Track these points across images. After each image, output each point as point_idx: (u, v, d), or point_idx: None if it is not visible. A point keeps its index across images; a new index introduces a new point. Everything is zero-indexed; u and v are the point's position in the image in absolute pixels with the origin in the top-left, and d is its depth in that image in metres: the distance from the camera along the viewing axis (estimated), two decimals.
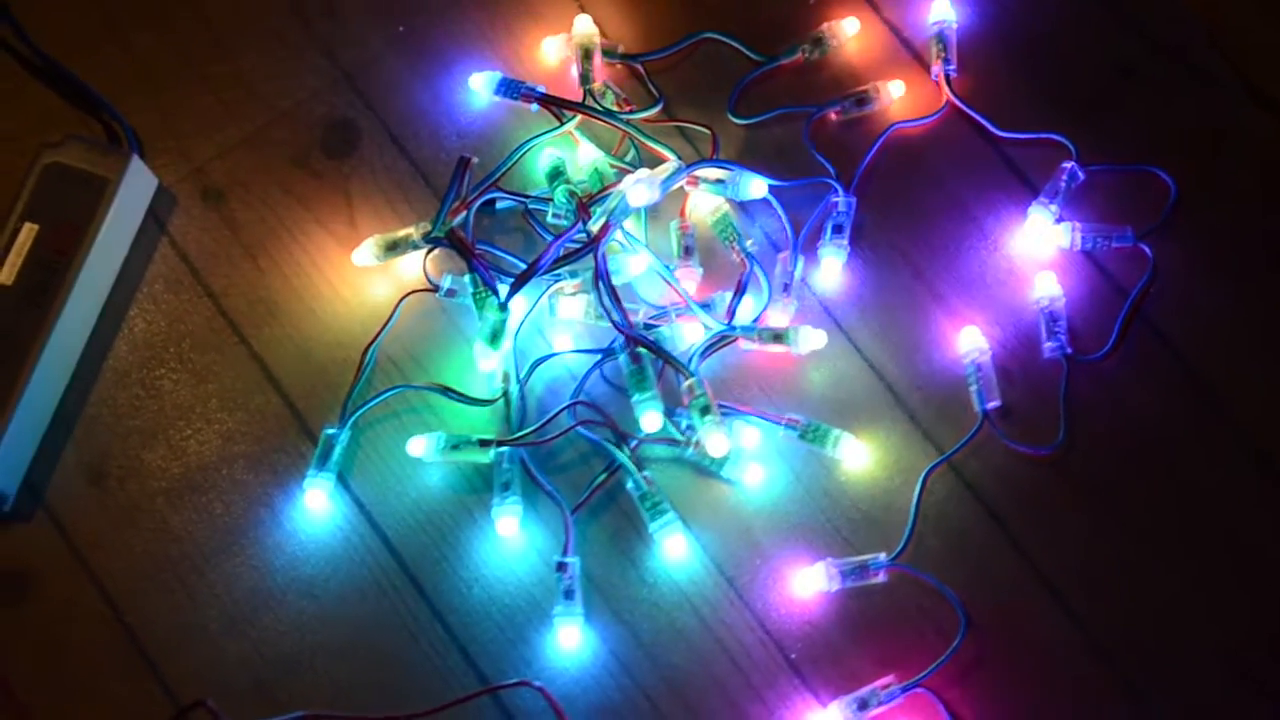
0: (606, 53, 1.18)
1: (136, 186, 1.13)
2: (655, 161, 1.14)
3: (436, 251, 1.13)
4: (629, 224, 1.12)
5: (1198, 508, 1.09)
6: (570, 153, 1.16)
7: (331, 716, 1.03)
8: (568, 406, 1.10)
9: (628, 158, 1.16)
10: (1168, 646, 1.06)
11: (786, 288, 1.12)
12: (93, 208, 1.10)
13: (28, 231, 1.09)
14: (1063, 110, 1.18)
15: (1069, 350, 1.11)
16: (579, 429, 1.09)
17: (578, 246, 1.09)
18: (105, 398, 1.12)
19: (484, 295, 1.10)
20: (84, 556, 1.08)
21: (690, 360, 1.09)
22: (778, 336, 1.10)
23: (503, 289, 1.09)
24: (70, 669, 1.06)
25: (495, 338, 1.07)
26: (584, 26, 1.17)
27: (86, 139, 1.13)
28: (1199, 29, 1.20)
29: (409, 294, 1.13)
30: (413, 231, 1.12)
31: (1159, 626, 1.06)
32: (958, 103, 1.17)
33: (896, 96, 1.18)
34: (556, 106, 1.15)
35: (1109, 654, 1.06)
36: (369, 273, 1.14)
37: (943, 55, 1.18)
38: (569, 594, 1.05)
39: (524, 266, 1.10)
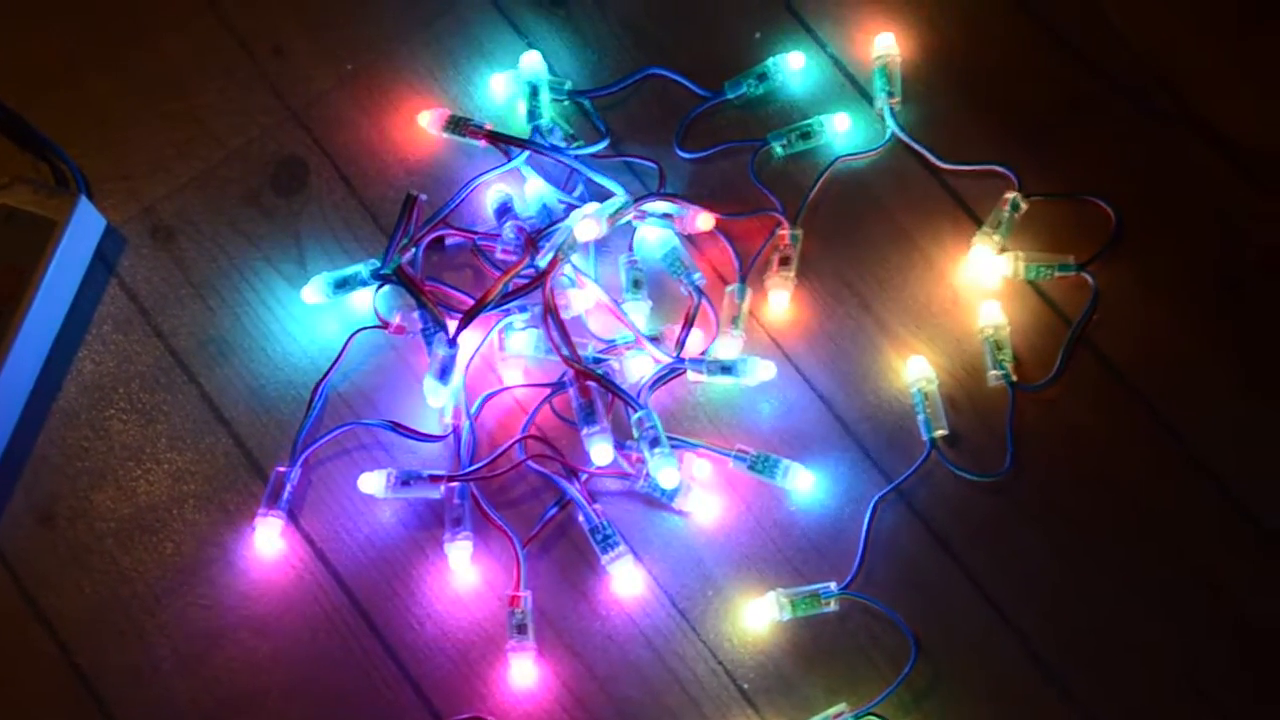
0: (554, 89, 1.19)
1: (84, 227, 1.13)
2: (603, 196, 1.15)
3: (385, 288, 1.13)
4: (577, 259, 1.13)
5: (1146, 530, 1.10)
6: (518, 189, 1.17)
7: None
8: (518, 440, 1.10)
9: (576, 193, 1.16)
10: (1117, 667, 1.07)
11: (734, 320, 1.13)
12: (39, 250, 1.10)
13: None
14: (1007, 141, 1.19)
15: (1014, 378, 1.12)
16: (529, 463, 1.10)
17: (526, 281, 1.10)
18: (54, 439, 1.11)
19: (433, 331, 1.10)
20: (33, 597, 1.07)
21: (640, 393, 1.10)
22: (726, 368, 1.10)
23: (451, 325, 1.09)
24: (19, 707, 1.06)
25: (445, 373, 1.08)
26: (531, 63, 1.18)
27: (33, 181, 1.13)
28: (1146, 64, 1.22)
29: (358, 331, 1.13)
30: (361, 269, 1.13)
31: (1109, 648, 1.07)
32: (901, 135, 1.19)
33: (841, 130, 1.19)
34: (504, 143, 1.16)
35: (1060, 676, 1.06)
36: (319, 310, 1.14)
37: (887, 89, 1.19)
38: (521, 628, 1.06)
39: (473, 302, 1.10)
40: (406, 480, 1.08)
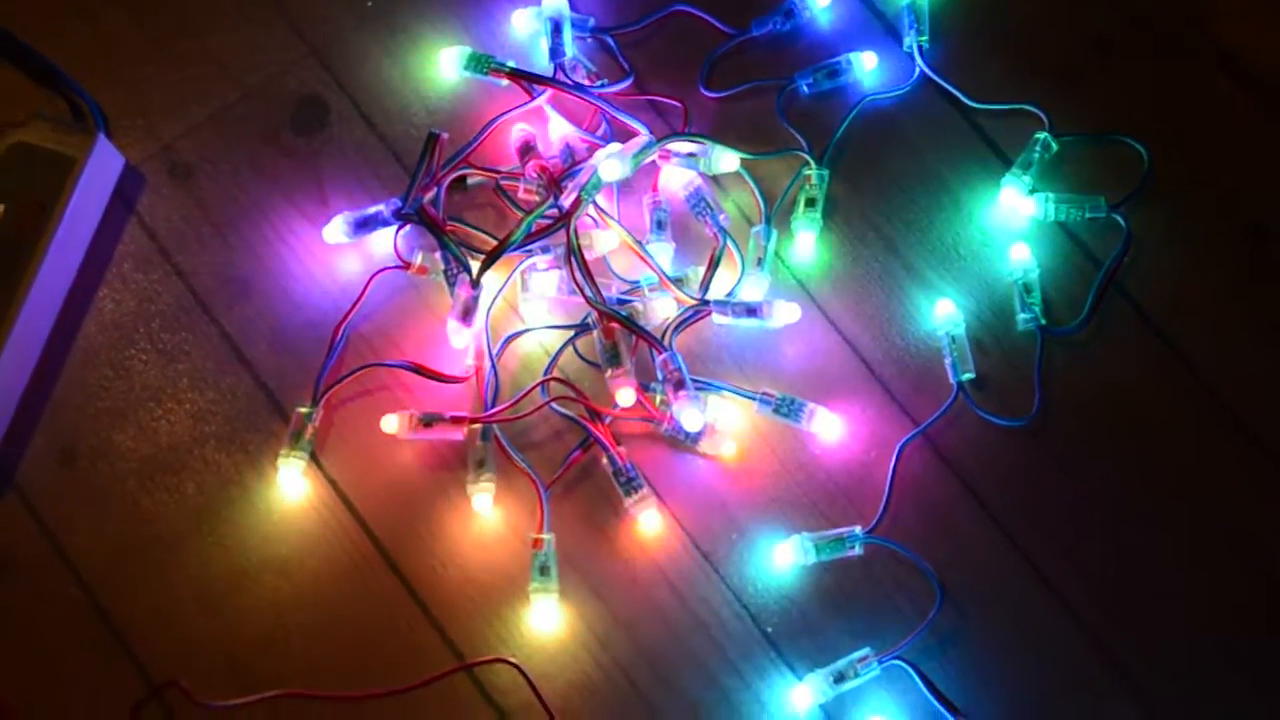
0: (577, 25, 1.17)
1: (103, 165, 1.12)
2: (627, 136, 1.13)
3: (407, 229, 1.12)
4: (601, 199, 1.12)
5: (1173, 476, 1.09)
6: (541, 128, 1.16)
7: (307, 695, 1.03)
8: (541, 382, 1.10)
9: (599, 132, 1.15)
10: (1144, 615, 1.06)
11: (760, 262, 1.12)
12: (59, 187, 1.09)
13: None
14: (1037, 81, 1.18)
15: (1043, 322, 1.11)
16: (552, 405, 1.09)
17: (549, 222, 1.09)
18: (74, 379, 1.11)
19: (455, 272, 1.10)
20: (56, 538, 1.07)
21: (664, 335, 1.09)
22: (751, 310, 1.09)
23: (475, 265, 1.08)
24: (43, 650, 1.06)
25: (467, 314, 1.07)
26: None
27: (52, 118, 1.12)
28: (1177, 3, 1.20)
29: (380, 271, 1.12)
30: (383, 209, 1.12)
31: (1135, 595, 1.07)
32: (930, 74, 1.17)
33: (869, 68, 1.18)
34: (527, 81, 1.15)
35: (1086, 623, 1.06)
36: (340, 250, 1.14)
37: (916, 27, 1.18)
38: (544, 570, 1.05)
39: (495, 242, 1.10)
40: (429, 422, 1.07)
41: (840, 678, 1.03)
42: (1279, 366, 1.12)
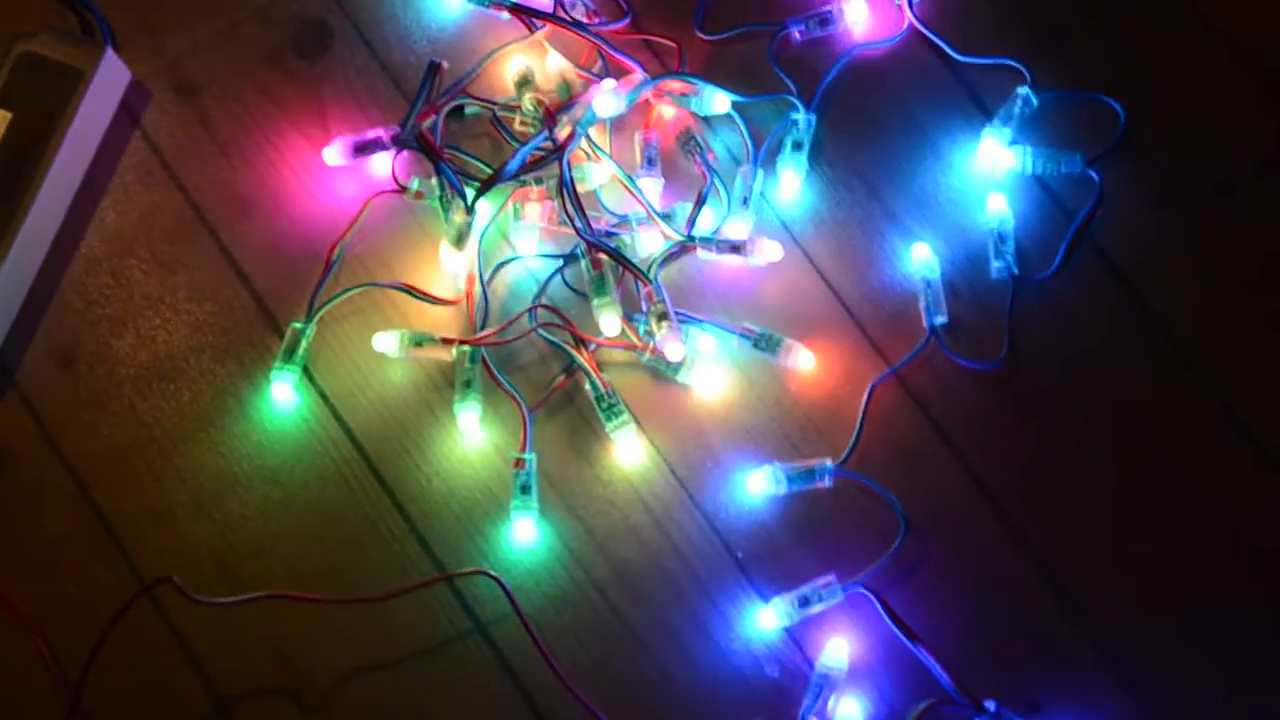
0: None
1: (110, 78, 1.14)
2: (622, 73, 1.16)
3: (405, 154, 1.15)
4: (593, 133, 1.14)
5: (1135, 424, 1.13)
6: (539, 61, 1.18)
7: (293, 597, 1.06)
8: (529, 309, 1.12)
9: (595, 68, 1.17)
10: (1103, 556, 1.10)
11: (745, 201, 1.14)
12: (66, 98, 1.11)
13: (1, 118, 1.10)
14: (1023, 37, 1.20)
15: (1016, 270, 1.14)
16: (539, 331, 1.12)
17: (543, 154, 1.11)
18: (76, 284, 1.14)
19: (450, 198, 1.12)
20: (53, 437, 1.10)
21: (649, 268, 1.12)
22: (735, 248, 1.12)
23: (469, 193, 1.11)
24: (39, 542, 1.09)
25: (460, 240, 1.10)
26: None
27: (61, 30, 1.13)
28: None
29: (377, 194, 1.14)
30: (382, 133, 1.14)
31: (1091, 535, 1.10)
32: (919, 26, 1.19)
33: (860, 18, 1.20)
34: (527, 15, 1.17)
35: (1044, 561, 1.10)
36: (339, 172, 1.16)
37: None
38: (525, 489, 1.09)
39: (490, 171, 1.12)
40: (419, 342, 1.10)
41: (805, 602, 1.07)
42: (1242, 320, 1.15)
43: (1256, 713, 1.08)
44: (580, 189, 1.12)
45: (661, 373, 1.12)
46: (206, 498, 1.10)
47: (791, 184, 1.16)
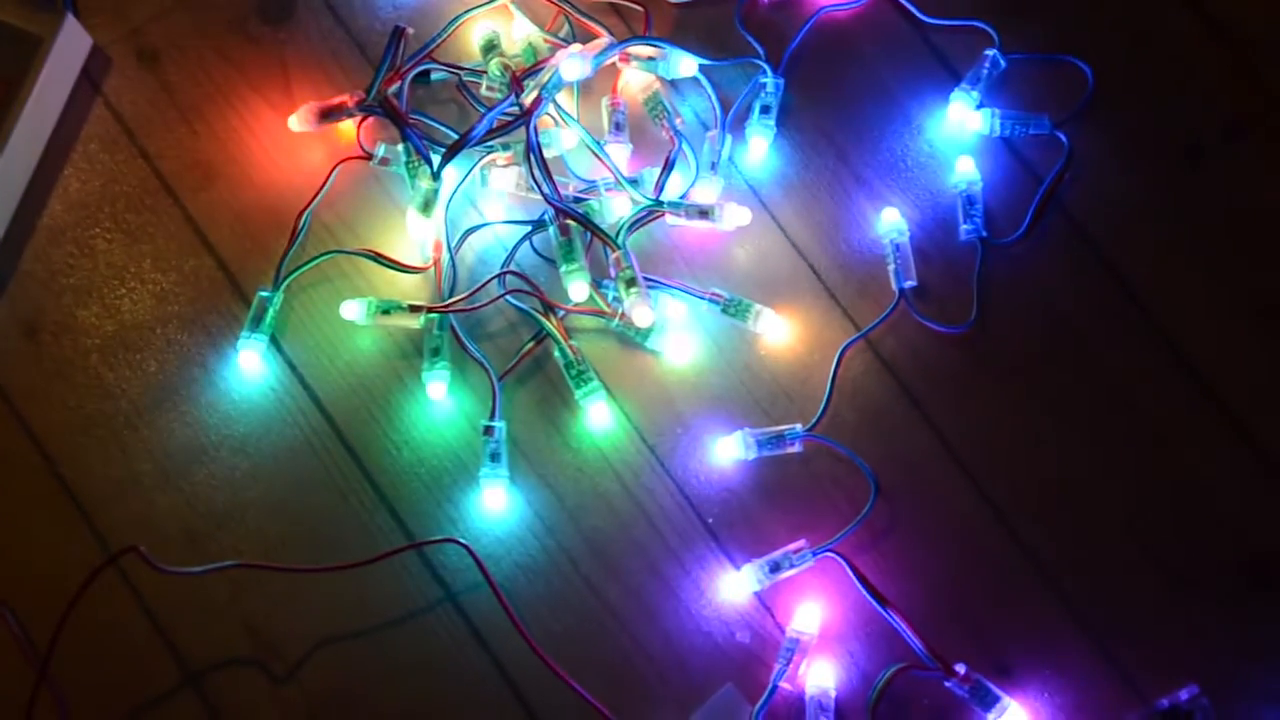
0: None
1: (70, 45, 1.13)
2: (588, 37, 1.15)
3: (371, 120, 1.14)
4: (561, 98, 1.14)
5: (1101, 387, 1.13)
6: (505, 26, 1.17)
7: (262, 566, 1.06)
8: (498, 276, 1.12)
9: (561, 33, 1.17)
10: (1070, 518, 1.11)
11: (714, 165, 1.14)
12: (25, 65, 1.10)
13: None
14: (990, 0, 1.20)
15: (984, 233, 1.14)
16: (508, 298, 1.12)
17: (510, 119, 1.11)
18: (39, 255, 1.13)
19: (417, 164, 1.12)
20: (18, 408, 1.10)
21: (618, 233, 1.11)
22: (704, 213, 1.12)
23: (436, 159, 1.10)
24: (4, 515, 1.09)
25: (427, 206, 1.09)
26: None
27: None
28: None
29: (343, 160, 1.14)
30: (347, 99, 1.13)
31: (1062, 499, 1.11)
32: None
33: None
34: None
35: (1012, 525, 1.10)
36: (304, 139, 1.15)
37: None
38: (495, 457, 1.09)
39: (457, 137, 1.12)
40: (387, 309, 1.10)
41: (776, 567, 1.07)
42: (1207, 283, 1.15)
43: (1225, 674, 1.08)
44: (548, 154, 1.12)
45: (630, 339, 1.12)
46: (174, 468, 1.09)
47: (759, 148, 1.16)
